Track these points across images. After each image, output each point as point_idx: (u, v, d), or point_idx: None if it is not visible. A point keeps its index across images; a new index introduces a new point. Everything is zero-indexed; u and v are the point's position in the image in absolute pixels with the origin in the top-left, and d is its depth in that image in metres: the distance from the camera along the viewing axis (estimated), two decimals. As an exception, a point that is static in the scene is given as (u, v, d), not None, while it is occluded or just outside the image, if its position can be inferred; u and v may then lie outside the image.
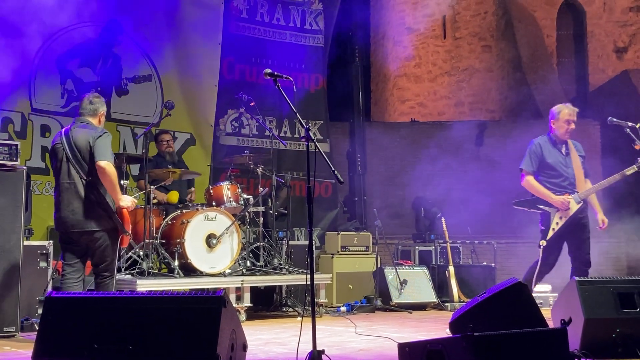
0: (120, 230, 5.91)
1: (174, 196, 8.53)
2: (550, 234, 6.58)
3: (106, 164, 5.74)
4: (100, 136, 5.86)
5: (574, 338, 4.84)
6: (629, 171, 6.52)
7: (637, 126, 6.67)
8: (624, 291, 5.07)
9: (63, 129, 6.06)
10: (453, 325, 5.04)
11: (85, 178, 5.82)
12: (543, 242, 6.59)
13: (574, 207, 6.57)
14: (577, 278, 5.13)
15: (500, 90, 17.71)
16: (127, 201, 5.96)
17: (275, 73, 5.14)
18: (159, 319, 3.71)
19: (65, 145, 5.88)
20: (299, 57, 11.76)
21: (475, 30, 18.34)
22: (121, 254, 7.77)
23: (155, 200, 8.31)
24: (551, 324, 5.33)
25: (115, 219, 5.87)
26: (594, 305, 4.96)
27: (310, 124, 11.64)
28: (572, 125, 6.74)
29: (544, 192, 6.66)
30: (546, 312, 5.69)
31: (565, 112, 6.76)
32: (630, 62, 17.73)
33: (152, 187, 7.74)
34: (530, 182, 6.74)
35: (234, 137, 11.04)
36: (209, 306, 3.68)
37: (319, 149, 4.82)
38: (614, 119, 6.73)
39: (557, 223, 6.56)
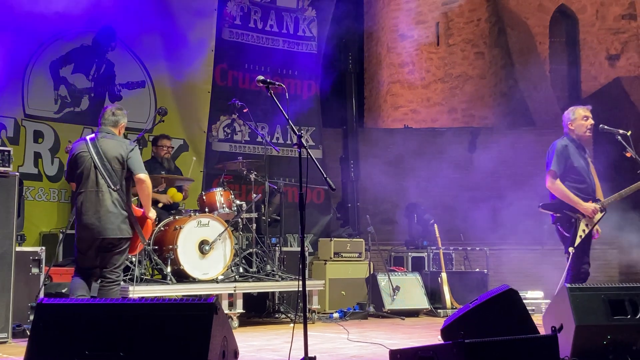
0: (140, 239, 6.17)
1: (176, 195, 8.57)
2: (578, 241, 6.36)
3: (145, 177, 6.07)
4: (132, 149, 6.11)
5: (565, 345, 4.86)
6: None
7: (628, 134, 6.65)
8: (615, 298, 5.07)
9: (88, 137, 6.16)
10: (444, 332, 5.05)
11: (113, 187, 5.99)
12: (572, 249, 6.34)
13: (598, 215, 6.42)
14: (568, 285, 5.14)
15: (494, 97, 17.77)
16: (153, 213, 6.36)
17: (268, 80, 5.17)
18: (150, 326, 3.71)
19: (93, 154, 6.01)
20: (292, 64, 11.78)
21: (468, 37, 18.40)
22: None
23: (160, 205, 8.36)
24: (542, 331, 5.35)
25: (137, 229, 6.09)
26: (584, 312, 4.97)
27: (302, 131, 11.67)
28: (591, 121, 6.57)
29: (572, 198, 6.42)
30: (539, 319, 5.72)
31: (579, 110, 6.64)
32: (623, 69, 17.79)
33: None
34: (559, 185, 6.48)
35: (226, 143, 11.05)
36: (200, 313, 3.69)
37: (310, 156, 4.83)
38: (605, 127, 6.68)
39: (583, 230, 6.37)
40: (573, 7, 18.40)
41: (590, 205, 6.40)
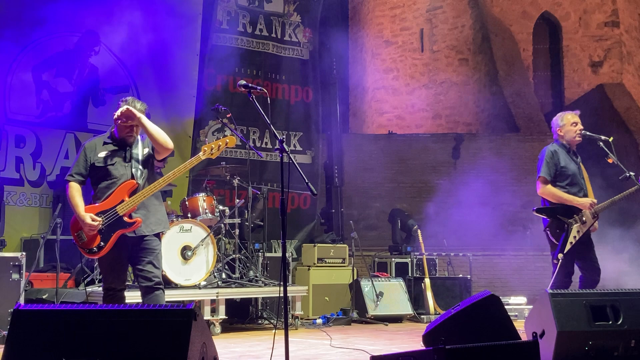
0: None
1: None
2: (568, 247, 6.28)
3: None
4: None
5: (547, 351, 4.85)
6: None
7: (610, 140, 6.65)
8: (596, 304, 5.07)
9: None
10: (426, 338, 5.05)
11: None
12: (561, 256, 6.24)
13: (590, 220, 6.34)
14: (549, 290, 5.14)
15: (477, 104, 17.83)
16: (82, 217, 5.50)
17: (250, 85, 5.16)
18: (128, 332, 3.68)
19: None
20: (281, 69, 11.74)
21: (452, 43, 18.47)
22: (95, 265, 7.77)
23: None
24: (524, 337, 5.35)
25: None
26: (566, 318, 4.97)
27: (291, 136, 11.66)
28: (580, 126, 6.55)
29: (566, 197, 6.35)
30: (521, 325, 5.72)
31: (567, 116, 6.61)
32: (606, 76, 17.91)
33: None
34: (550, 189, 6.41)
35: (216, 148, 10.95)
36: (179, 319, 3.66)
37: (292, 160, 4.82)
38: (587, 133, 6.66)
39: (574, 237, 6.28)
40: (556, 14, 18.53)
41: (586, 200, 6.34)
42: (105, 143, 5.47)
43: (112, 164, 5.37)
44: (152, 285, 5.28)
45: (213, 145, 5.49)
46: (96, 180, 5.42)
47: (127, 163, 5.40)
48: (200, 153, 5.51)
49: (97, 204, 5.32)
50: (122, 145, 5.44)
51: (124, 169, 5.38)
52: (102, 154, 5.40)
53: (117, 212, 5.25)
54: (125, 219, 5.26)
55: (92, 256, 5.43)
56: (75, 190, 5.36)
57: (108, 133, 5.53)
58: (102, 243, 5.24)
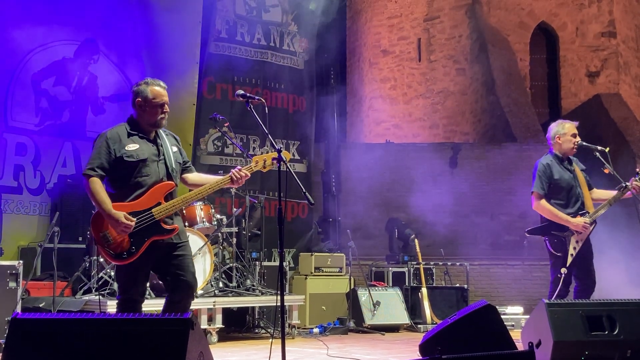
0: None
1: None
2: (570, 260, 6.26)
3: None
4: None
5: (543, 361, 4.87)
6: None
7: (607, 150, 6.65)
8: (593, 314, 5.10)
9: None
10: (423, 348, 5.05)
11: None
12: (564, 270, 6.22)
13: (588, 228, 6.36)
14: (546, 301, 5.16)
15: (474, 113, 17.88)
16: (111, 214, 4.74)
17: (248, 94, 5.18)
18: (125, 342, 3.68)
19: None
20: (280, 78, 11.77)
21: (449, 53, 18.54)
22: (92, 273, 7.77)
23: None
24: (520, 347, 5.36)
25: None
26: (563, 327, 4.99)
27: (289, 144, 11.69)
28: (578, 138, 6.53)
29: (561, 216, 6.33)
30: (518, 335, 5.73)
31: (567, 125, 6.57)
32: (602, 86, 17.97)
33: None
34: (544, 205, 6.39)
35: (217, 156, 10.96)
36: (176, 328, 3.65)
37: (289, 170, 4.82)
38: (584, 143, 6.65)
39: (574, 248, 6.28)
40: (553, 24, 18.61)
41: (579, 221, 6.31)
42: (130, 134, 4.78)
43: (144, 160, 4.72)
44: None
45: (266, 158, 4.87)
46: (121, 176, 4.70)
47: (159, 159, 4.79)
48: (252, 164, 4.91)
49: (126, 203, 4.64)
50: (148, 137, 4.82)
51: (155, 166, 4.75)
52: (132, 147, 4.72)
53: (153, 215, 4.62)
54: (162, 224, 4.65)
55: (119, 262, 4.66)
56: (99, 186, 4.61)
57: (126, 124, 4.87)
58: (133, 248, 4.58)
